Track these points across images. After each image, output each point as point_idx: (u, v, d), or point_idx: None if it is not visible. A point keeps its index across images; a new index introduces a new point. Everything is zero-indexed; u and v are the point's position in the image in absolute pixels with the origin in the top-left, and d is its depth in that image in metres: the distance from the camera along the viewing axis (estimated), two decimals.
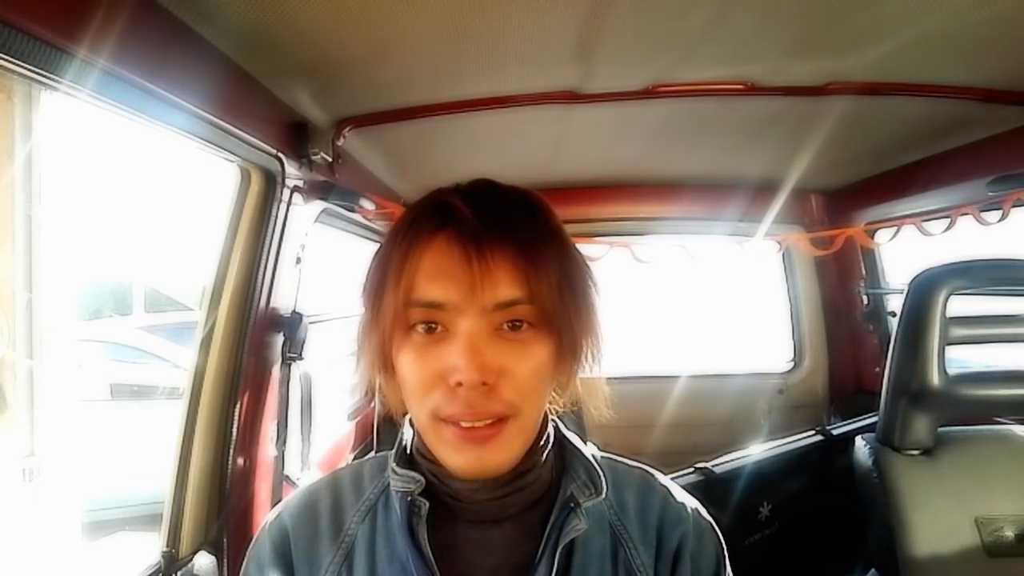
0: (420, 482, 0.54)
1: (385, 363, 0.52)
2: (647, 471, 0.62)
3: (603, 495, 0.56)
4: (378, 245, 0.56)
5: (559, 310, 0.50)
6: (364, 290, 0.54)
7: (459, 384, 0.47)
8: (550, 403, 0.57)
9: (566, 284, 0.51)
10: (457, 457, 0.50)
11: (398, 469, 0.55)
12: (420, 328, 0.49)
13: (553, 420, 0.60)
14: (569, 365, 0.53)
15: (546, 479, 0.56)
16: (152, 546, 0.99)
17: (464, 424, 0.49)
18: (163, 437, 1.11)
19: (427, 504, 0.53)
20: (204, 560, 0.98)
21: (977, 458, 1.10)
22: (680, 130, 1.46)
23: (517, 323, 0.49)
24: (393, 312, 0.50)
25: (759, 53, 1.01)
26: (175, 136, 0.82)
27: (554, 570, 0.51)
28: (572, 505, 0.54)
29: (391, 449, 0.59)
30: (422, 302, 0.49)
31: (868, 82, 1.11)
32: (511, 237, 0.49)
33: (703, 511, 0.60)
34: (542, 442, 0.56)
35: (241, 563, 0.58)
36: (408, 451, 0.58)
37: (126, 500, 3.28)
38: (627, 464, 0.62)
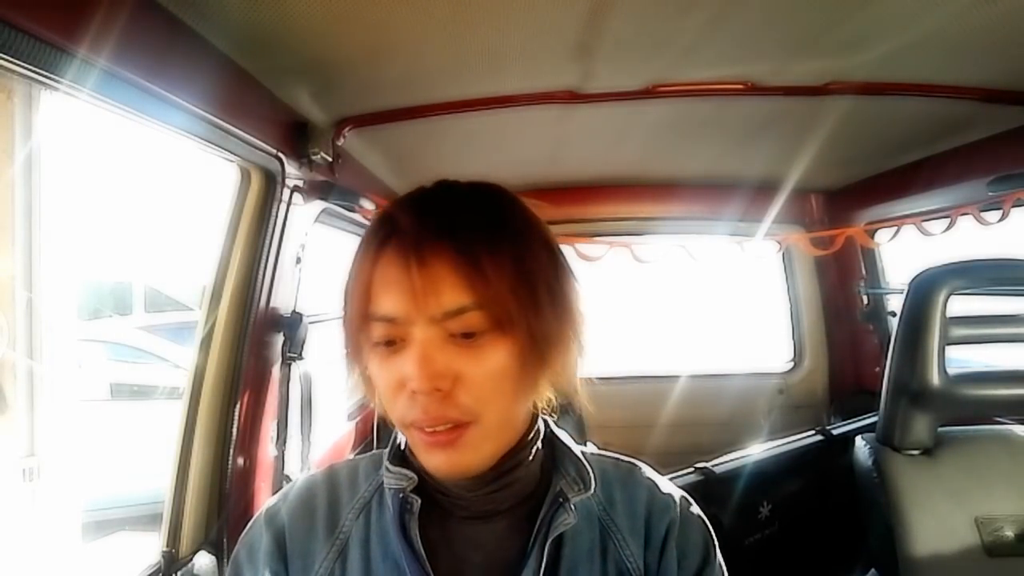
0: (413, 479, 0.55)
1: (363, 370, 0.53)
2: (634, 464, 0.62)
3: (591, 490, 0.56)
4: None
5: (515, 313, 0.48)
6: (341, 301, 0.55)
7: (415, 391, 0.48)
8: (546, 402, 0.57)
9: (523, 284, 0.49)
10: (429, 459, 0.51)
11: (391, 467, 0.56)
12: (382, 342, 0.50)
13: (543, 418, 0.60)
14: (537, 366, 0.51)
15: (535, 476, 0.57)
16: (152, 546, 0.99)
17: (427, 429, 0.49)
18: (163, 437, 1.11)
19: (419, 501, 0.54)
20: (204, 560, 0.98)
21: (977, 458, 1.10)
22: (680, 130, 1.46)
23: (469, 334, 0.48)
24: (358, 326, 0.51)
25: (759, 53, 1.01)
26: (175, 136, 0.82)
27: (543, 564, 0.52)
28: (561, 500, 0.55)
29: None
30: (377, 316, 0.49)
31: (868, 82, 1.11)
32: (454, 243, 0.48)
33: (690, 500, 0.61)
34: (528, 440, 0.56)
35: None
36: (402, 449, 0.59)
37: (126, 500, 3.28)
38: (614, 459, 0.63)
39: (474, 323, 0.48)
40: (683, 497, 0.60)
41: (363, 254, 0.51)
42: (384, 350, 0.50)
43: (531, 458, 0.56)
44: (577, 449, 0.60)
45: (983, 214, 1.47)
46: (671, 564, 0.56)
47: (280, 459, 1.15)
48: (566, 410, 0.60)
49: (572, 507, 0.54)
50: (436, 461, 0.50)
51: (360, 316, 0.50)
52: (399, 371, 0.49)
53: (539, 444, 0.58)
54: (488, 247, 0.48)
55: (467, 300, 0.47)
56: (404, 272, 0.48)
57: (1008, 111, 1.18)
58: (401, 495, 0.54)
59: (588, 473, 0.57)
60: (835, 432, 1.61)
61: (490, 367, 0.48)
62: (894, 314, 1.94)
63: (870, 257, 2.07)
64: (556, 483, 0.56)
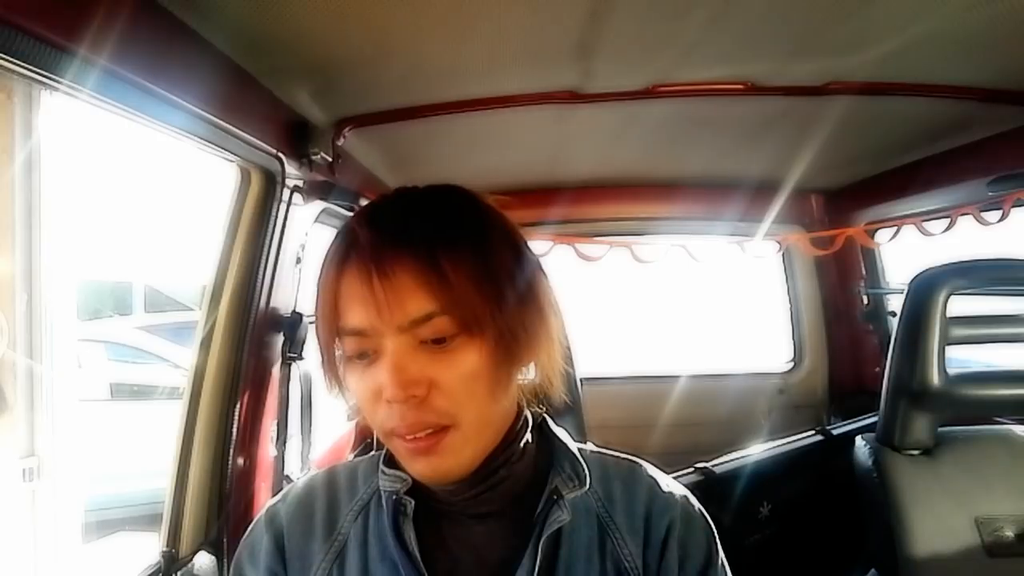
0: (407, 481, 0.55)
1: (340, 384, 0.54)
2: (635, 462, 0.62)
3: (587, 487, 0.56)
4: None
5: (482, 313, 0.48)
6: (313, 318, 0.55)
7: (390, 400, 0.48)
8: (537, 398, 0.57)
9: (487, 283, 0.49)
10: (412, 466, 0.51)
11: (386, 469, 0.56)
12: (355, 355, 0.50)
13: (540, 415, 0.60)
14: (510, 364, 0.51)
15: (526, 474, 0.57)
16: (152, 546, 0.99)
17: (407, 436, 0.49)
18: (163, 437, 1.11)
19: (413, 503, 0.54)
20: (204, 560, 0.98)
21: (977, 458, 1.10)
22: (680, 130, 1.46)
23: (440, 339, 0.48)
24: (330, 342, 0.51)
25: (759, 53, 1.01)
26: (175, 136, 0.82)
27: (537, 562, 0.52)
28: (555, 498, 0.54)
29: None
30: (347, 331, 0.50)
31: (868, 82, 1.11)
32: (412, 250, 0.48)
33: (692, 499, 0.60)
34: (514, 439, 0.56)
35: None
36: None
37: (126, 500, 3.28)
38: (615, 456, 0.62)
39: (443, 328, 0.48)
40: (684, 496, 0.59)
41: (327, 271, 0.51)
42: (358, 363, 0.50)
43: (519, 456, 0.56)
44: (574, 446, 0.60)
45: (983, 214, 1.47)
46: (672, 564, 0.55)
47: (280, 459, 1.15)
48: (566, 410, 0.60)
49: (566, 504, 0.54)
50: (419, 467, 0.51)
51: (331, 332, 0.51)
52: (374, 382, 0.49)
53: (528, 439, 0.57)
54: (446, 250, 0.48)
55: (432, 306, 0.47)
56: (367, 285, 0.48)
57: (1008, 111, 1.18)
58: (395, 497, 0.55)
59: (583, 470, 0.57)
60: (835, 432, 1.61)
61: (463, 370, 0.49)
62: (894, 314, 1.94)
63: (870, 257, 2.07)
64: (552, 480, 0.56)
